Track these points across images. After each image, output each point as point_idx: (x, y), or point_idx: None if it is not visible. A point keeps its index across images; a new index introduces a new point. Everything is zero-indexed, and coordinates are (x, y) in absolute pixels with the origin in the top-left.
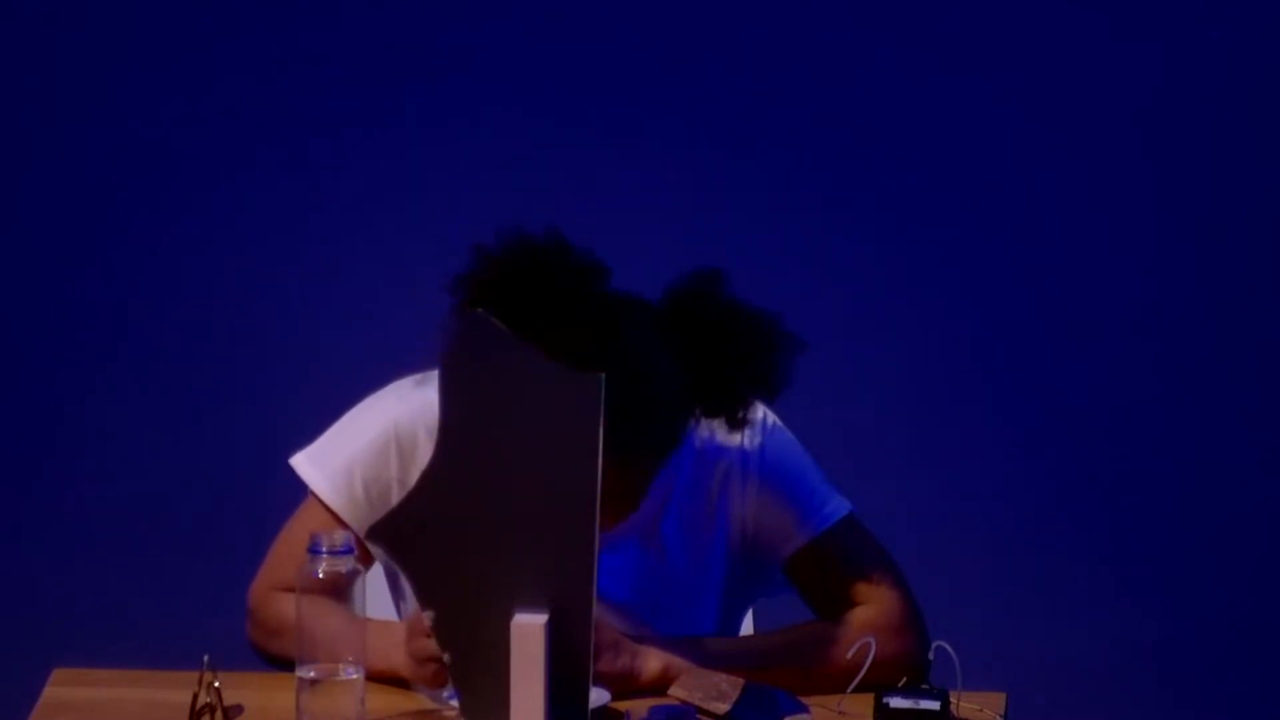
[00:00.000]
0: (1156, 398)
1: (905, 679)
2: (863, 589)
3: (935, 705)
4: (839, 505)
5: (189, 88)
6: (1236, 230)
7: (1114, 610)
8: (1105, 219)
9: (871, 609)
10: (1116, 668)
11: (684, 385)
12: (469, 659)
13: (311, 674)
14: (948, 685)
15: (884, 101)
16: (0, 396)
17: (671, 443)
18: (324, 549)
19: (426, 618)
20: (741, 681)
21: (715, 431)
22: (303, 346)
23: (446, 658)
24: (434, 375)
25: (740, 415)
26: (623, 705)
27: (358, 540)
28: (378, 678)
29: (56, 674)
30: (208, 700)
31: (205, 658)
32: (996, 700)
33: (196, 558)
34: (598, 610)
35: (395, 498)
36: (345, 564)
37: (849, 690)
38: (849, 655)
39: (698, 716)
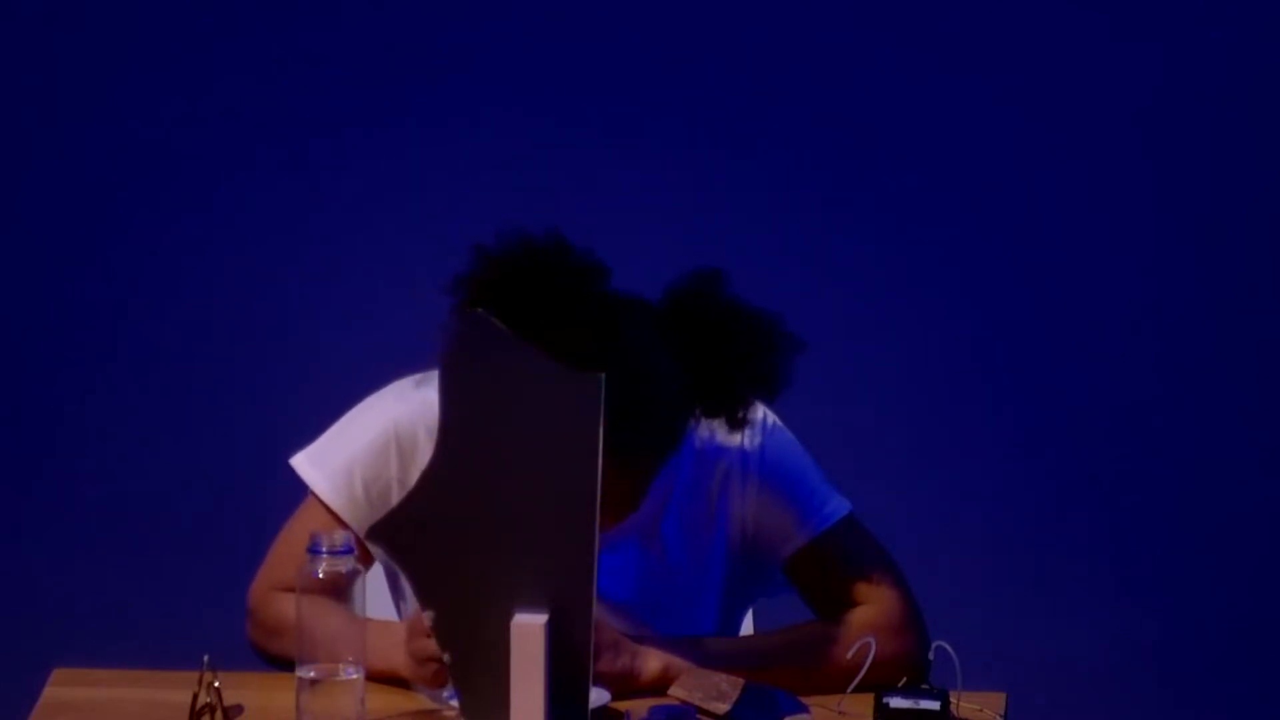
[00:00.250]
0: (1156, 398)
1: (905, 679)
2: (863, 589)
3: (935, 705)
4: (839, 505)
5: (189, 88)
6: (1236, 230)
7: (1114, 610)
8: (1105, 219)
9: (871, 609)
10: (1116, 668)
11: (684, 385)
12: (469, 659)
13: (311, 674)
14: (948, 685)
15: (884, 101)
16: (0, 396)
17: (671, 443)
18: (324, 549)
19: (426, 618)
20: (741, 681)
21: (715, 431)
22: (303, 346)
23: (446, 658)
24: (434, 375)
25: (740, 415)
26: (623, 705)
27: (358, 540)
28: (378, 678)
29: (56, 674)
30: (208, 700)
31: (205, 658)
32: (996, 700)
33: (196, 558)
34: (598, 610)
35: (395, 498)
36: (345, 564)
37: (849, 690)
38: (849, 655)
39: (698, 716)
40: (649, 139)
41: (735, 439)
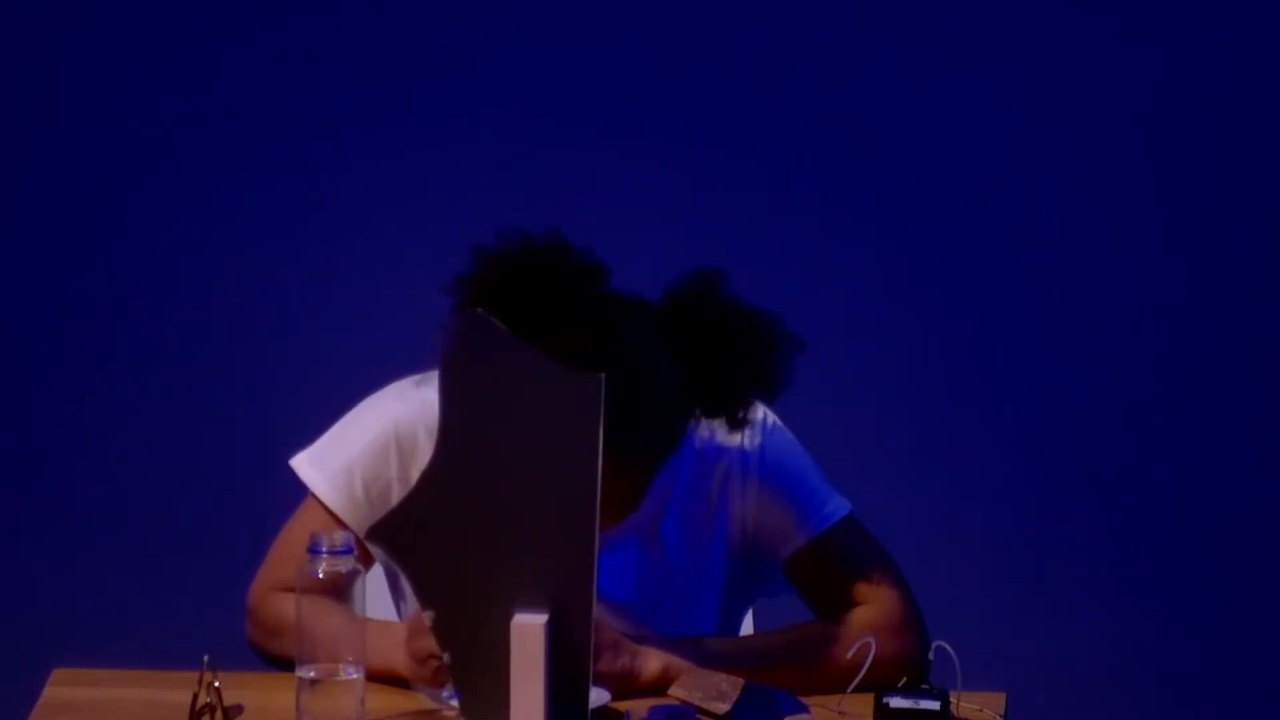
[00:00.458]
0: (1156, 398)
1: (905, 679)
2: (863, 589)
3: (935, 705)
4: (839, 505)
5: (189, 88)
6: (1236, 230)
7: (1114, 610)
8: (1105, 219)
9: (871, 609)
10: (1116, 668)
11: (684, 385)
12: (469, 659)
13: (311, 674)
14: (948, 685)
15: (884, 101)
16: (0, 396)
17: (672, 443)
18: (324, 549)
19: (426, 618)
20: (741, 681)
21: (715, 431)
22: (303, 346)
23: (446, 658)
24: (434, 375)
25: (740, 415)
26: (623, 705)
27: (358, 541)
28: (377, 677)
29: (56, 674)
30: (208, 700)
31: (205, 658)
32: (996, 700)
33: (196, 558)
34: (598, 610)
35: (395, 498)
36: (345, 564)
37: (849, 690)
38: (849, 655)
39: (698, 716)
40: (649, 139)
41: (735, 439)
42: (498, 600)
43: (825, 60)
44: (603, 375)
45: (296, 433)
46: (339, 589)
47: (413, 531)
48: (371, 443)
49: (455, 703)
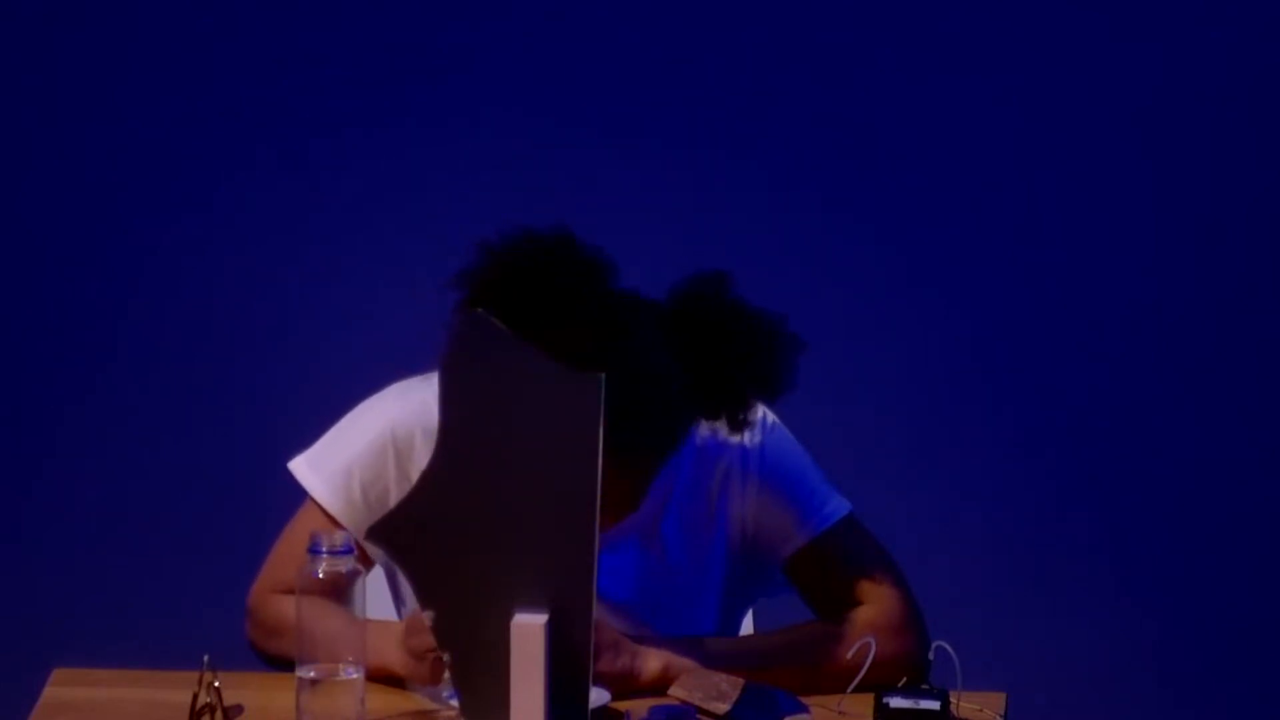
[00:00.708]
0: (1156, 398)
1: (905, 679)
2: (863, 589)
3: (935, 705)
4: (839, 505)
5: (189, 88)
6: (1236, 230)
7: (1114, 610)
8: (1105, 219)
9: (871, 609)
10: (1116, 668)
11: (686, 386)
12: (469, 659)
13: (311, 674)
14: (948, 685)
15: (884, 101)
16: (0, 396)
17: (673, 443)
18: (324, 549)
19: (426, 618)
20: (741, 681)
21: (715, 431)
22: (303, 346)
23: (446, 658)
24: (431, 377)
25: (742, 416)
26: (623, 705)
27: (357, 543)
28: (373, 677)
29: (56, 674)
30: (208, 700)
31: (205, 658)
32: (996, 700)
33: (196, 558)
34: (598, 610)
35: (393, 501)
36: (345, 564)
37: (849, 690)
38: (849, 655)
39: (698, 716)
40: (649, 139)
41: (735, 439)
42: (498, 600)
43: (825, 60)
44: (603, 375)
45: (296, 433)
46: (339, 589)
47: (413, 531)
48: (369, 446)
49: (455, 703)
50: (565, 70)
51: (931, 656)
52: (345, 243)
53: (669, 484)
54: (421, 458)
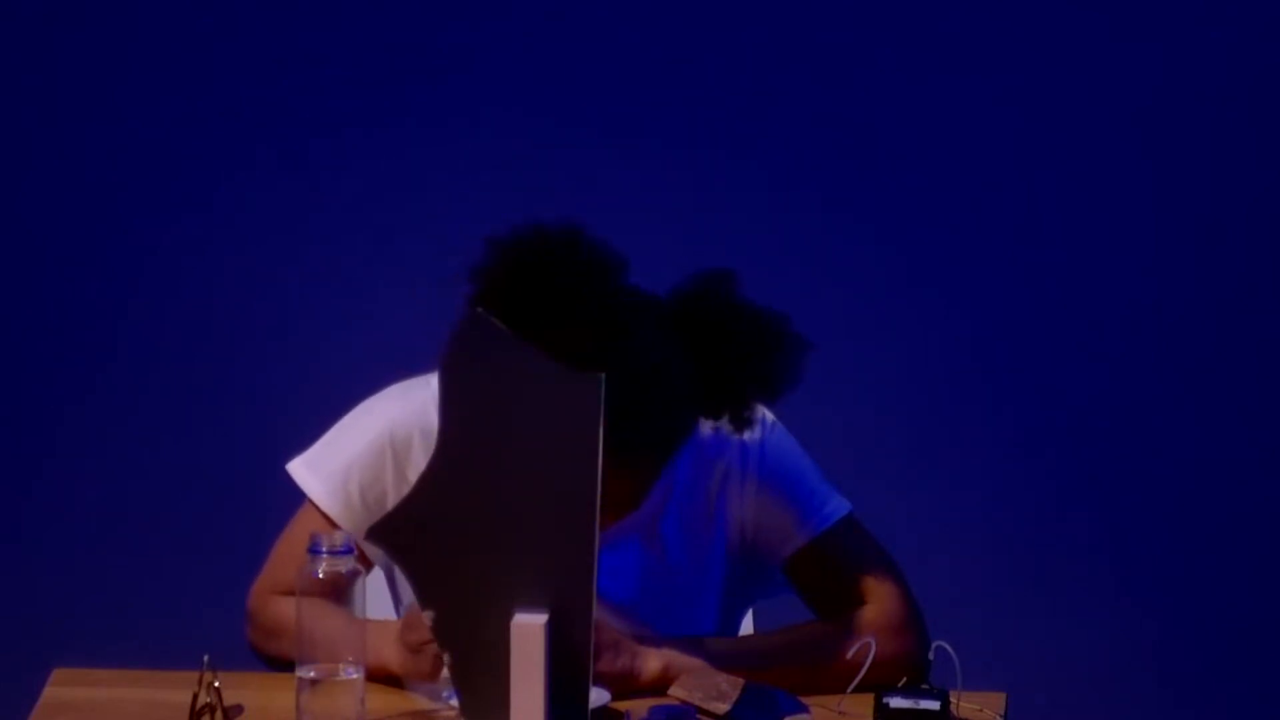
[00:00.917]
0: (1156, 398)
1: (905, 679)
2: (862, 589)
3: (935, 705)
4: (838, 505)
5: (189, 88)
6: (1236, 230)
7: (1114, 610)
8: (1105, 219)
9: (871, 609)
10: (1116, 668)
11: (689, 385)
12: (469, 659)
13: (311, 674)
14: (948, 685)
15: (884, 101)
16: (0, 396)
17: (677, 442)
18: (324, 549)
19: (426, 618)
20: (741, 681)
21: (715, 431)
22: (303, 346)
23: (446, 658)
24: (430, 378)
25: (745, 416)
26: (623, 705)
27: (355, 544)
28: (372, 676)
29: (56, 674)
30: (208, 700)
31: (205, 658)
32: (996, 700)
33: (196, 558)
34: (598, 610)
35: (391, 502)
36: (345, 564)
37: (849, 690)
38: (849, 655)
39: (698, 716)
40: (649, 139)
41: (734, 439)
42: (498, 600)
43: (825, 60)
44: (603, 375)
45: (296, 433)
46: (339, 589)
47: (412, 532)
48: (367, 447)
49: (455, 702)
50: (565, 70)
51: (931, 656)
52: (345, 243)
53: (668, 484)
54: (420, 459)
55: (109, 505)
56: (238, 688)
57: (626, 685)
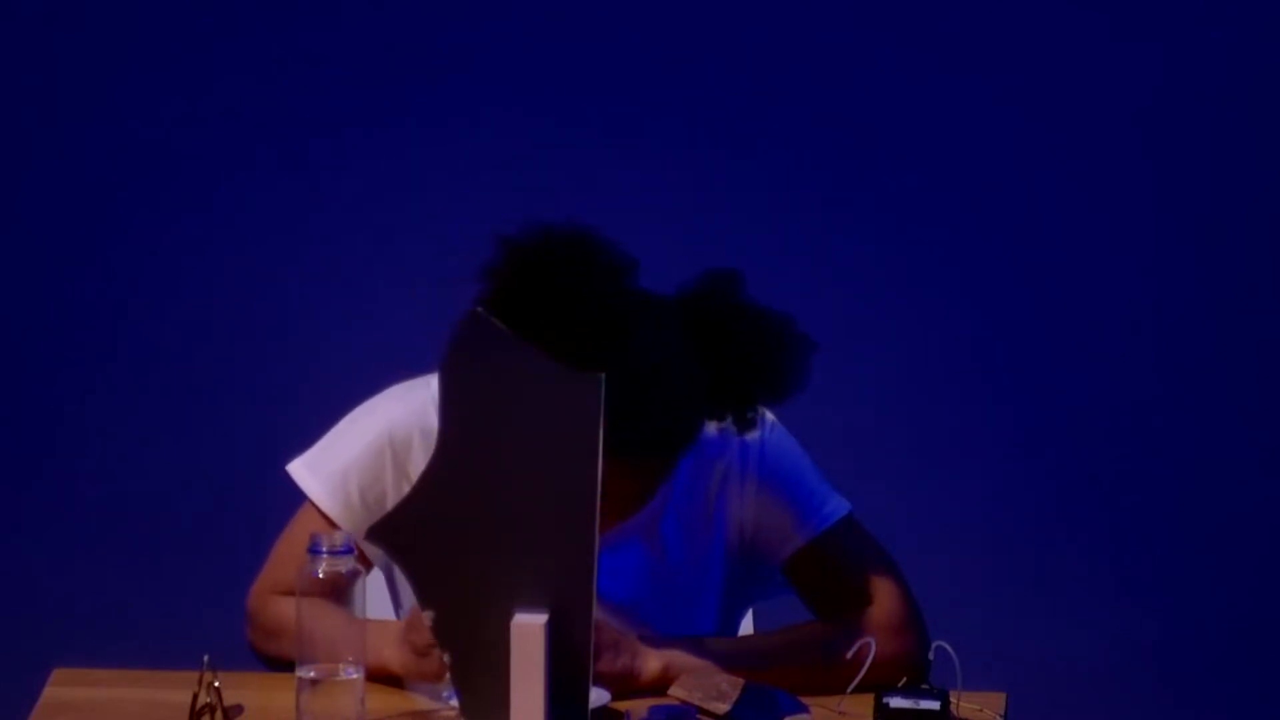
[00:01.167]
0: (1156, 398)
1: (905, 679)
2: (862, 589)
3: (935, 705)
4: (838, 505)
5: (189, 88)
6: (1236, 230)
7: (1114, 610)
8: (1105, 219)
9: (871, 609)
10: (1116, 668)
11: (692, 385)
12: (469, 659)
13: (311, 674)
14: (948, 685)
15: (884, 101)
16: (0, 396)
17: (682, 442)
18: (324, 549)
19: (426, 618)
20: (741, 681)
21: (714, 431)
22: (303, 346)
23: (447, 658)
24: (430, 378)
25: (749, 416)
26: (623, 705)
27: (355, 545)
28: (373, 676)
29: (56, 674)
30: (208, 700)
31: (205, 658)
32: (996, 700)
33: (196, 558)
34: (598, 610)
35: (391, 503)
36: (345, 564)
37: (849, 690)
38: (849, 655)
39: (698, 716)
40: (649, 139)
41: (734, 439)
42: (498, 600)
43: (825, 60)
44: (603, 375)
45: (296, 433)
46: (339, 589)
47: (412, 532)
48: (366, 448)
49: (455, 702)
50: (565, 70)
51: (931, 656)
52: (345, 243)
53: (668, 484)
54: (419, 460)
55: (109, 505)
56: (238, 688)
57: (626, 685)
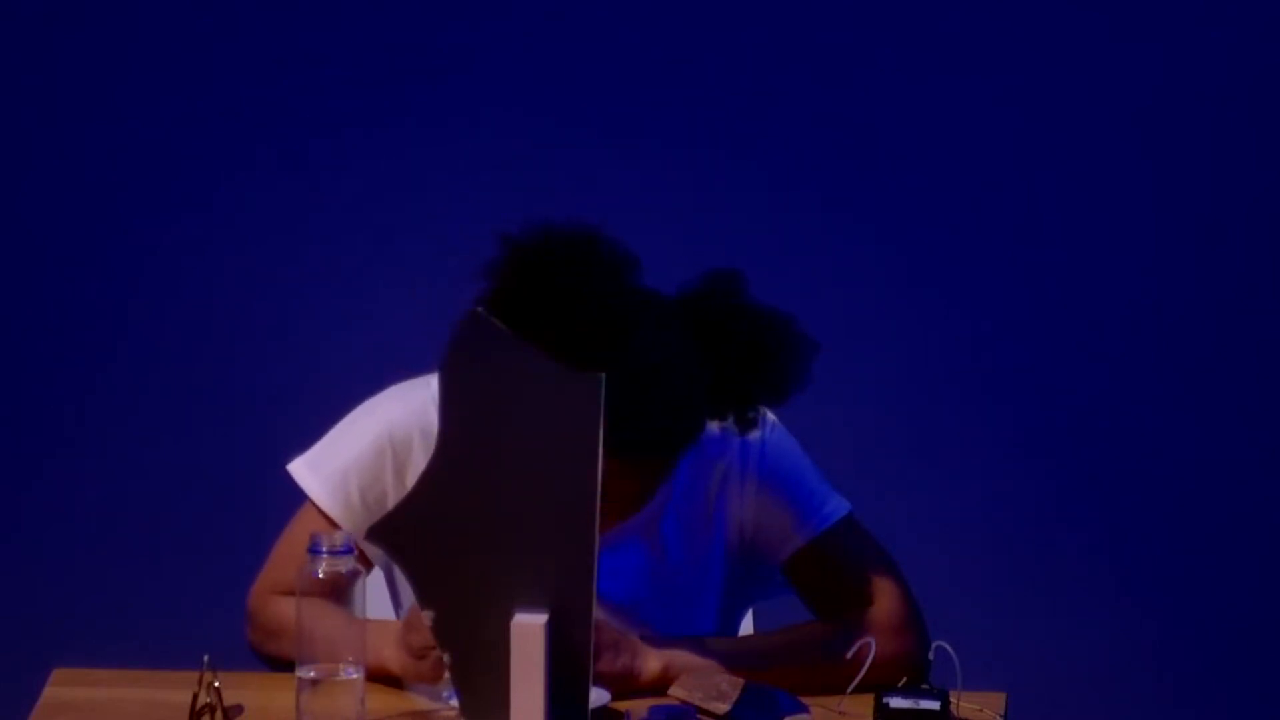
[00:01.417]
0: (1156, 398)
1: (905, 679)
2: (862, 589)
3: (935, 705)
4: (838, 505)
5: (189, 88)
6: (1236, 230)
7: (1114, 610)
8: (1105, 219)
9: (871, 609)
10: (1116, 668)
11: (692, 385)
12: (469, 659)
13: (311, 674)
14: (948, 685)
15: (884, 101)
16: (0, 396)
17: (680, 443)
18: (324, 549)
19: (426, 618)
20: (741, 681)
21: (714, 431)
22: (303, 346)
23: (447, 658)
24: (430, 378)
25: (750, 416)
26: (623, 705)
27: (355, 545)
28: (372, 676)
29: (56, 674)
30: (208, 700)
31: (205, 658)
32: (996, 700)
33: (196, 558)
34: (598, 610)
35: (391, 503)
36: (345, 564)
37: (849, 690)
38: (849, 655)
39: (698, 716)
40: (649, 139)
41: (734, 439)
42: (498, 600)
43: (825, 60)
44: (603, 375)
45: (296, 433)
46: (339, 589)
47: (412, 532)
48: (367, 448)
49: (455, 703)
50: (565, 70)
51: (931, 656)
52: (345, 243)
53: (668, 484)
54: (419, 460)
55: (109, 505)
56: (238, 688)
57: (626, 685)
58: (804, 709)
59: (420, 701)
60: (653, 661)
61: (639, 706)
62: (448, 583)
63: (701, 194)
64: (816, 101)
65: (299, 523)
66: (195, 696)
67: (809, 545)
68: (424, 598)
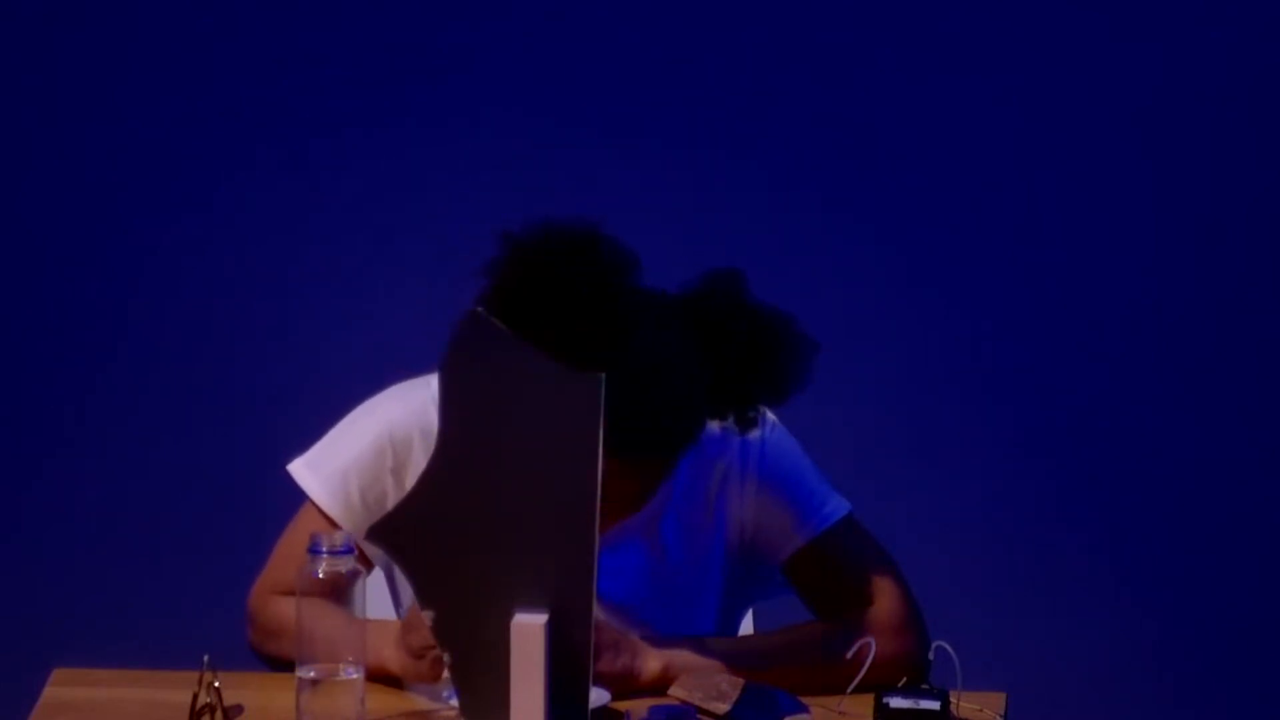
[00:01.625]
0: (1156, 398)
1: (905, 679)
2: (862, 589)
3: (935, 705)
4: (838, 505)
5: (189, 88)
6: (1236, 230)
7: (1114, 610)
8: (1105, 219)
9: (871, 609)
10: (1116, 668)
11: (692, 385)
12: (469, 659)
13: (311, 674)
14: (948, 685)
15: (884, 101)
16: (0, 396)
17: (680, 442)
18: (324, 549)
19: (426, 618)
20: (741, 681)
21: (714, 431)
22: (303, 346)
23: (447, 658)
24: (430, 378)
25: (750, 416)
26: (623, 705)
27: (356, 545)
28: (372, 676)
29: (56, 674)
30: (208, 700)
31: (205, 658)
32: (996, 700)
33: (196, 558)
34: (598, 610)
35: (391, 503)
36: (345, 564)
37: (849, 690)
38: (849, 655)
39: (698, 716)
40: (649, 139)
41: (734, 439)
42: (498, 600)
43: (825, 60)
44: (603, 375)
45: (296, 433)
46: (339, 589)
47: (412, 532)
48: (367, 448)
49: (455, 702)
50: (565, 70)
51: (931, 656)
52: (345, 243)
53: (668, 484)
54: (419, 460)
55: (109, 505)
56: (238, 688)
57: (626, 685)
58: (804, 709)
59: (420, 701)
60: (653, 661)
61: (639, 706)
62: (448, 583)
63: (701, 194)
64: (816, 101)
65: (299, 523)
66: (195, 696)
67: (809, 545)
68: (424, 598)
